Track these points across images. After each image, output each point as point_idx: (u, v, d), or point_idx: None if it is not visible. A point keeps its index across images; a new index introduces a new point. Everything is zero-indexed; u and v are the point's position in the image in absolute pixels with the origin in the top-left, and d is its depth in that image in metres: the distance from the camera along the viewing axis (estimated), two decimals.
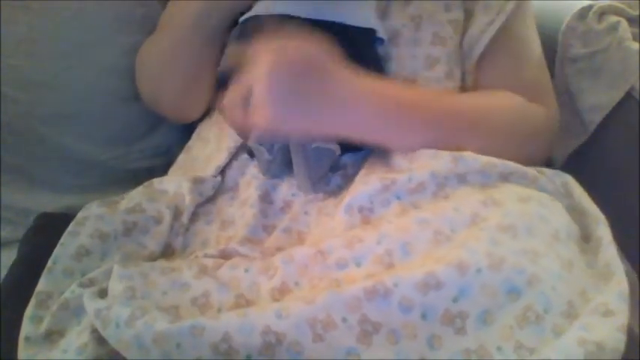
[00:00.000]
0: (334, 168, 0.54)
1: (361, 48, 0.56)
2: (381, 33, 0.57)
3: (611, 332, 0.39)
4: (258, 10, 0.57)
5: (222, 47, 0.64)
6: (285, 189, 0.55)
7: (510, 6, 0.60)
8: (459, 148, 0.50)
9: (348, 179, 0.53)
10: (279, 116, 0.46)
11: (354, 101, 0.49)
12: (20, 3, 0.72)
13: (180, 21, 0.65)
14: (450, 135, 0.52)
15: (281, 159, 0.54)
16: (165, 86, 0.68)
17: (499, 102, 0.58)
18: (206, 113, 0.69)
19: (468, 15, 0.61)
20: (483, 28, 0.60)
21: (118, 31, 0.75)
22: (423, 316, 0.40)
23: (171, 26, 0.67)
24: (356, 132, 0.51)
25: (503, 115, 0.57)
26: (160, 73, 0.68)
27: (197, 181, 0.58)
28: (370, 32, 0.56)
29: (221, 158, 0.59)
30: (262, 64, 0.46)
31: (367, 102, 0.50)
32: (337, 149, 0.53)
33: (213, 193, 0.58)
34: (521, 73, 0.62)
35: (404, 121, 0.52)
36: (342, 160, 0.55)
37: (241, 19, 0.59)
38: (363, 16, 0.56)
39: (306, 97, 0.47)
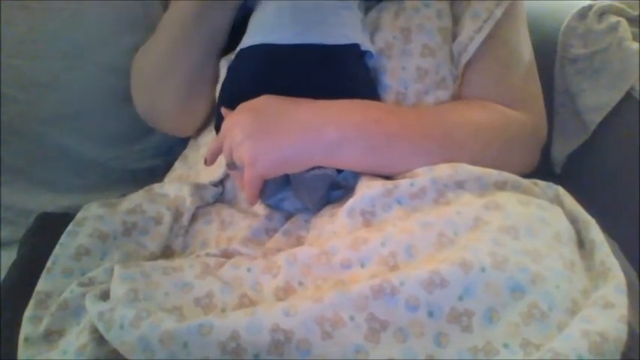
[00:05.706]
0: (334, 186, 0.55)
1: (349, 63, 0.56)
2: (367, 46, 0.57)
3: (613, 323, 0.39)
4: (244, 43, 0.58)
5: (219, 60, 0.63)
6: (288, 204, 0.56)
7: (499, 12, 0.60)
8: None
9: (349, 190, 0.54)
10: (259, 146, 0.51)
11: (342, 139, 0.51)
12: (20, 3, 0.72)
13: (178, 20, 0.63)
14: (438, 159, 0.53)
15: (279, 184, 0.55)
16: (163, 93, 0.65)
17: (478, 116, 0.58)
18: (205, 123, 0.68)
19: (456, 21, 0.61)
20: (471, 35, 0.59)
21: (118, 31, 0.75)
22: (430, 314, 0.40)
23: (168, 27, 0.65)
24: (348, 167, 0.53)
25: (482, 130, 0.57)
26: (159, 79, 0.65)
27: (199, 187, 0.58)
28: (355, 47, 0.57)
29: (216, 174, 0.59)
30: (230, 117, 0.54)
31: (355, 138, 0.52)
32: (334, 172, 0.53)
33: (213, 201, 0.59)
34: (508, 80, 0.61)
35: (394, 154, 0.53)
36: (342, 175, 0.55)
37: (231, 56, 0.61)
38: (342, 33, 0.56)
39: (275, 125, 0.51)
